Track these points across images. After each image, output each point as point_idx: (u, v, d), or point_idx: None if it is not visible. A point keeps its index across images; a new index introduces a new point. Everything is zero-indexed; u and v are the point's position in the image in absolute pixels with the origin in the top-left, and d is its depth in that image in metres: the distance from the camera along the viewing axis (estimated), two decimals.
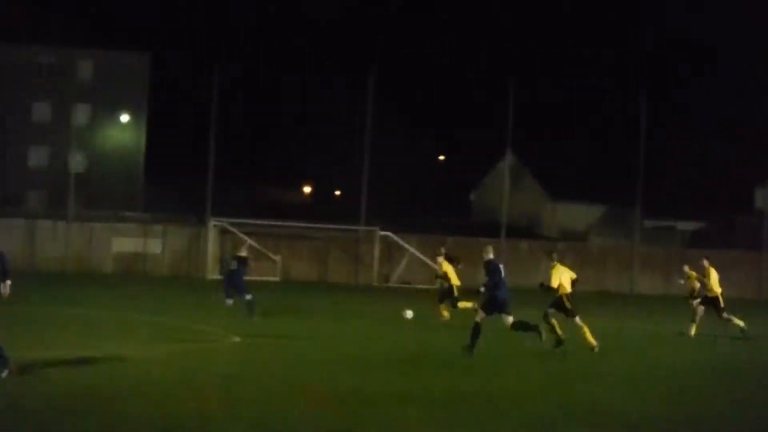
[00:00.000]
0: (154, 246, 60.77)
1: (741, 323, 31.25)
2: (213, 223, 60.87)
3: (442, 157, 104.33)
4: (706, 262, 31.73)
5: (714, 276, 31.26)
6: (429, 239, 62.31)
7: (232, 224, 60.71)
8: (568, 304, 25.06)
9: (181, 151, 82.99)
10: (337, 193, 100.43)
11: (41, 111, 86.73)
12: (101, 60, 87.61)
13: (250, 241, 59.27)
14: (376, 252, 62.20)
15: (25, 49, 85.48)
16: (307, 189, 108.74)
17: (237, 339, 25.65)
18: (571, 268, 26.16)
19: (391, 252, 62.78)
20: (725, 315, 31.17)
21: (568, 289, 25.11)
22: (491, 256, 24.85)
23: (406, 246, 62.12)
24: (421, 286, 57.99)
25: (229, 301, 32.69)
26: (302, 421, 14.98)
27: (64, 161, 79.52)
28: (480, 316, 24.12)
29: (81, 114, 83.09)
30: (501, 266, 24.54)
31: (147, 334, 26.22)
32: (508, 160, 70.60)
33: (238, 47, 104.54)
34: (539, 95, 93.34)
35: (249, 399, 16.66)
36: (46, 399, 15.65)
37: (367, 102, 64.51)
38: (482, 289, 24.47)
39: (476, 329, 23.78)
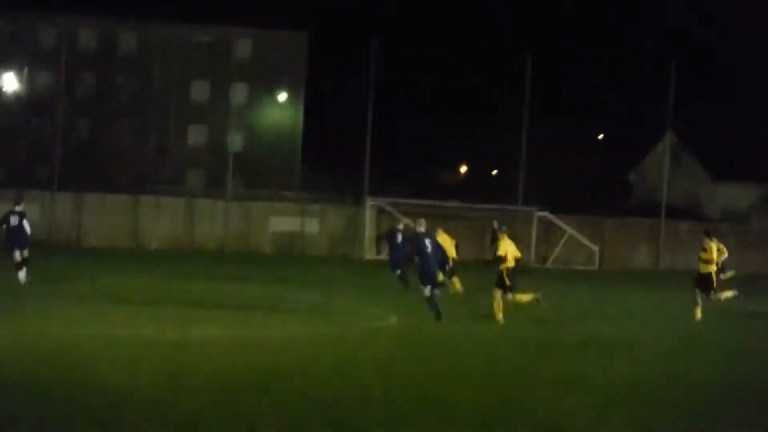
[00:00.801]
0: (312, 226, 61.10)
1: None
2: (370, 203, 60.92)
3: (600, 137, 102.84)
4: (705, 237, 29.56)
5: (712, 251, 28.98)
6: (587, 220, 61.44)
7: (389, 204, 60.67)
8: (507, 280, 25.64)
9: (338, 129, 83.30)
10: (494, 172, 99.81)
11: (200, 90, 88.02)
12: (259, 39, 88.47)
13: (406, 220, 59.23)
14: (534, 232, 61.53)
15: (184, 29, 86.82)
16: (463, 169, 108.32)
17: (395, 319, 25.51)
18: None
19: (548, 232, 62.07)
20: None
21: (511, 263, 25.68)
22: (422, 229, 25.91)
23: (565, 227, 61.35)
24: (579, 267, 57.19)
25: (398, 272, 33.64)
26: (462, 403, 14.73)
27: (223, 140, 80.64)
28: (428, 292, 25.30)
29: (239, 93, 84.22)
30: (428, 240, 25.46)
31: (307, 314, 26.25)
32: (668, 140, 69.19)
33: (395, 25, 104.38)
34: (700, 74, 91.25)
35: (409, 379, 16.51)
36: (209, 376, 15.68)
37: (525, 80, 63.84)
38: (417, 259, 25.65)
39: (433, 304, 25.19)
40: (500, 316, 25.64)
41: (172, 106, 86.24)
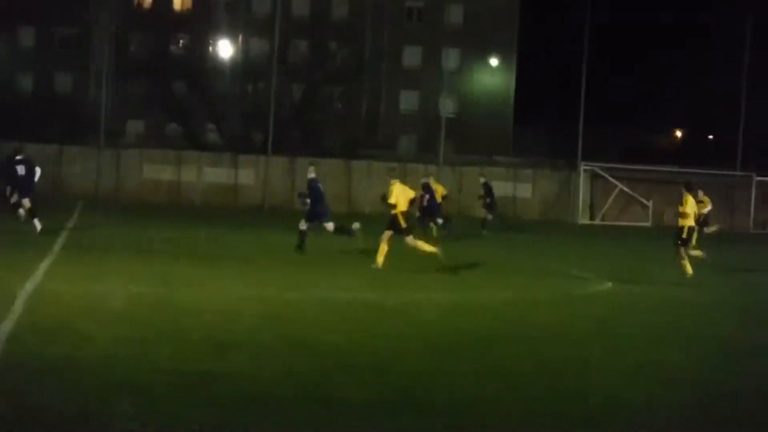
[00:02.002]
0: (524, 190, 60.58)
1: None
2: (583, 168, 60.03)
3: None
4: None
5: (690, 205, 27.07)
6: None
7: (603, 169, 59.66)
8: (402, 223, 25.47)
9: (551, 93, 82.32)
10: (711, 137, 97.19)
11: (412, 55, 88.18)
12: (471, 3, 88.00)
13: (620, 185, 58.28)
14: (753, 198, 59.62)
15: None
16: (678, 133, 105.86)
17: (609, 284, 24.98)
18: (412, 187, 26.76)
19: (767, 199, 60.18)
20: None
21: (404, 207, 25.61)
22: (312, 175, 28.86)
23: None
24: None
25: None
26: (683, 368, 14.25)
27: (434, 106, 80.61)
28: (304, 225, 28.37)
29: (451, 58, 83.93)
30: (319, 185, 28.69)
31: (523, 278, 25.93)
32: None
33: None
34: None
35: (629, 344, 16.10)
36: (426, 340, 15.50)
37: (745, 43, 61.81)
38: (305, 201, 28.76)
39: (302, 234, 28.35)
40: (380, 260, 25.36)
41: (384, 72, 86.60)
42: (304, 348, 14.29)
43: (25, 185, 30.84)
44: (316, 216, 28.71)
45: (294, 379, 12.30)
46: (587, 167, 60.13)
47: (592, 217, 60.03)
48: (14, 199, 31.06)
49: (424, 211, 37.18)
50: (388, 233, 25.60)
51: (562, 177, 60.77)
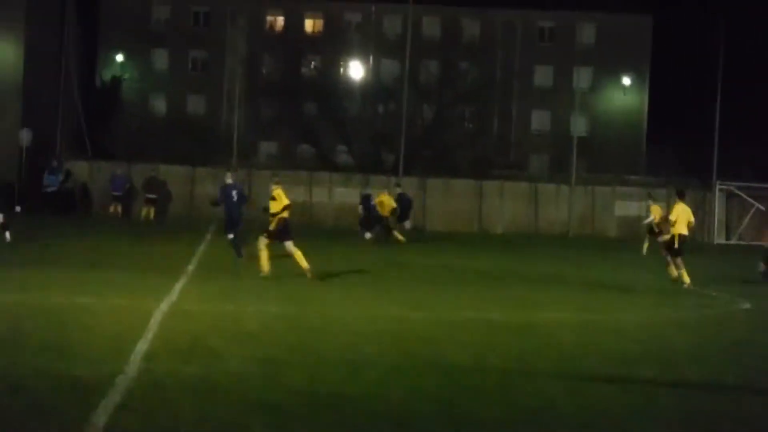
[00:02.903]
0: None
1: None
2: (719, 187, 58.99)
3: None
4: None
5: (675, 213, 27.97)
6: None
7: (740, 188, 58.56)
8: (273, 226, 25.17)
9: (683, 112, 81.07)
10: None
11: (543, 75, 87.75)
12: (603, 23, 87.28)
13: (757, 205, 57.11)
14: None
15: (526, 15, 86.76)
16: None
17: (748, 305, 24.40)
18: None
19: None
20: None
21: (285, 214, 25.29)
22: (230, 181, 29.35)
23: None
24: None
25: None
26: None
27: (566, 125, 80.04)
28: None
29: (583, 77, 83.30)
30: (234, 191, 28.87)
31: (651, 298, 25.50)
32: None
33: (740, 2, 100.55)
34: None
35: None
36: (556, 361, 15.31)
37: None
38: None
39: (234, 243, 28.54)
40: (265, 268, 25.01)
41: (515, 92, 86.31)
42: (432, 367, 14.23)
43: None
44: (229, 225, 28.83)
45: (424, 398, 12.25)
46: (723, 186, 59.06)
47: (728, 237, 58.91)
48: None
49: (360, 221, 42.74)
50: (264, 240, 25.31)
51: (696, 196, 59.75)
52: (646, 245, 41.02)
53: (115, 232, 40.56)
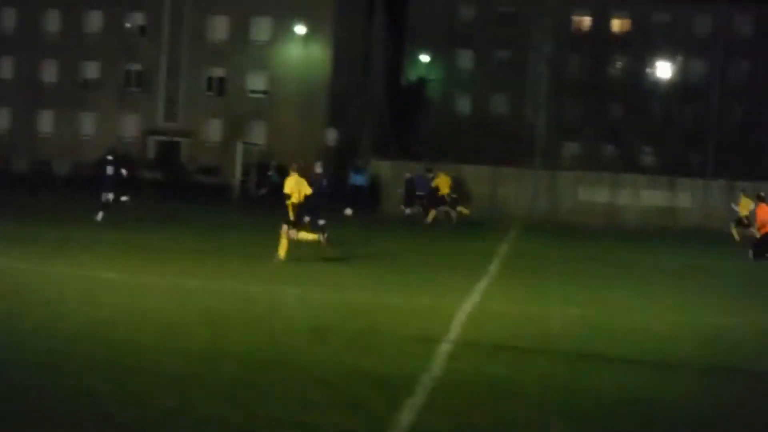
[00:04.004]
0: None
1: None
2: None
3: None
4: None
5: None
6: None
7: None
8: (292, 215, 24.86)
9: None
10: None
11: None
12: None
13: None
14: None
15: None
16: None
17: None
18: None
19: None
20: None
21: (298, 199, 24.96)
22: (318, 171, 30.73)
23: None
24: None
25: None
26: None
27: None
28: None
29: None
30: (324, 181, 30.78)
31: None
32: None
33: None
34: None
35: None
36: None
37: None
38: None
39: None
40: (282, 253, 24.69)
41: None
42: (736, 373, 13.72)
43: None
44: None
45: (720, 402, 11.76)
46: None
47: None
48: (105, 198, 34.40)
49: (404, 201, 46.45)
50: (284, 226, 24.89)
51: None
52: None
53: (416, 231, 40.94)
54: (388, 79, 75.29)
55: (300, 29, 77.62)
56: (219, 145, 78.54)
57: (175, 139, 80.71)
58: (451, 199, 46.82)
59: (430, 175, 47.96)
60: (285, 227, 24.90)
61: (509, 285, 23.02)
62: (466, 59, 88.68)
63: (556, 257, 31.62)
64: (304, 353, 13.71)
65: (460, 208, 46.61)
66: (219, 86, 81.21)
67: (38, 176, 74.11)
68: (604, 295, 22.29)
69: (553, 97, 74.46)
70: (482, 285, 22.42)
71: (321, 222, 29.61)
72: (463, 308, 18.36)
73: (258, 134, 77.42)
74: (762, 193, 32.06)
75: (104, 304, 16.94)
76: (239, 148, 58.34)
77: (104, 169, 34.74)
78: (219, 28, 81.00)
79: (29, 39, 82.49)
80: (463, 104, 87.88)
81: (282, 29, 79.23)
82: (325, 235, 26.87)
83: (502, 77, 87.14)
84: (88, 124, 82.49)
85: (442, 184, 46.28)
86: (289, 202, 24.89)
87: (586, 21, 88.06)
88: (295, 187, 25.03)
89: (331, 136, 57.99)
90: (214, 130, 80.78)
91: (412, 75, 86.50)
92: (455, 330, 15.92)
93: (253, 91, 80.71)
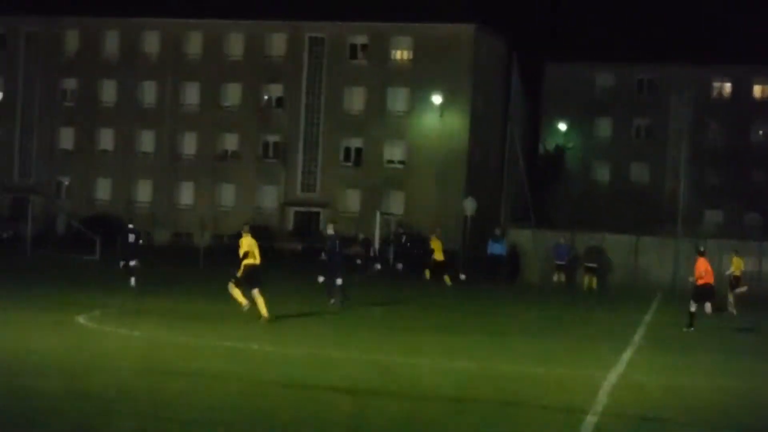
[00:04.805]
0: None
1: None
2: None
3: None
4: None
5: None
6: None
7: None
8: (240, 273, 25.18)
9: None
10: None
11: None
12: None
13: None
14: None
15: None
16: None
17: None
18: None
19: None
20: None
21: (254, 260, 25.34)
22: (331, 232, 30.62)
23: None
24: None
25: None
26: None
27: None
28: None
29: None
30: (336, 241, 30.29)
31: None
32: None
33: None
34: None
35: None
36: None
37: None
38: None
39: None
40: (264, 312, 24.92)
41: None
42: None
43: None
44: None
45: None
46: None
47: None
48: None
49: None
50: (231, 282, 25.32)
51: None
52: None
53: (558, 300, 40.43)
54: (525, 148, 75.01)
55: (437, 99, 77.87)
56: (357, 215, 78.92)
57: (313, 209, 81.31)
58: (588, 267, 46.15)
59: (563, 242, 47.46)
60: (232, 283, 25.37)
61: (655, 355, 22.48)
62: (604, 127, 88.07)
63: (701, 327, 30.81)
64: (446, 424, 13.44)
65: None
66: (356, 156, 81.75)
67: (179, 247, 75.24)
68: (752, 365, 21.59)
69: (693, 163, 73.32)
70: (627, 355, 21.91)
71: (339, 281, 30.09)
72: (608, 379, 17.91)
73: (396, 204, 77.63)
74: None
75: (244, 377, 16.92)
76: (378, 218, 58.42)
77: (126, 237, 36.05)
78: (356, 99, 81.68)
79: (170, 112, 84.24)
80: (602, 172, 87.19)
81: (419, 99, 79.57)
82: (345, 293, 29.20)
83: (641, 144, 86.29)
84: (227, 195, 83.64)
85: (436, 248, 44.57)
86: (245, 262, 25.27)
87: (727, 87, 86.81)
88: (250, 249, 25.51)
89: (469, 205, 57.70)
90: (351, 200, 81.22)
91: (550, 143, 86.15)
92: (601, 401, 15.50)
93: (390, 161, 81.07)
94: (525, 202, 61.49)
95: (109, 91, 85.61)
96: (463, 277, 46.31)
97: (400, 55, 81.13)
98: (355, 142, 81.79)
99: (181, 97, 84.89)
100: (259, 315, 24.87)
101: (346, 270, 31.43)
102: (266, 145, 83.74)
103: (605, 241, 55.03)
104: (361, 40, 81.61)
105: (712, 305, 29.11)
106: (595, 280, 52.05)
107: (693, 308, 28.61)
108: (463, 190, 74.10)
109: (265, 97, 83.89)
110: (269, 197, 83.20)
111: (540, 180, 75.00)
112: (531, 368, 19.21)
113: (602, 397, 15.90)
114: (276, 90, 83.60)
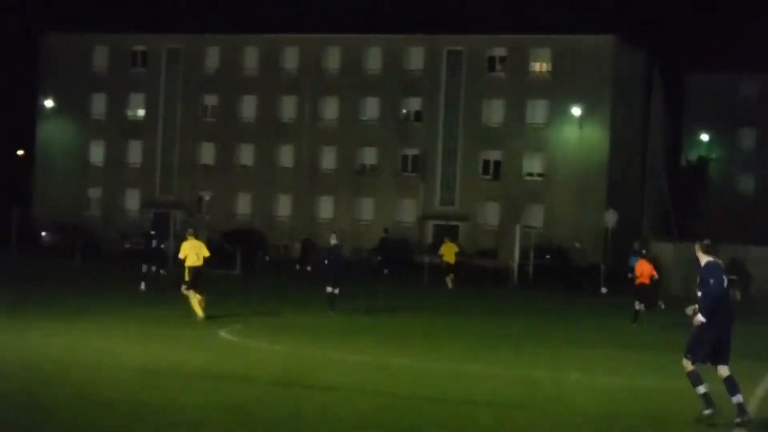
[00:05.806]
0: None
1: None
2: None
3: None
4: None
5: None
6: None
7: None
8: (187, 276, 26.95)
9: None
10: None
11: None
12: None
13: None
14: None
15: None
16: None
17: None
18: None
19: None
20: None
21: (195, 263, 27.03)
22: (334, 242, 31.71)
23: None
24: None
25: None
26: None
27: None
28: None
29: None
30: (340, 251, 31.92)
31: None
32: None
33: None
34: None
35: None
36: None
37: None
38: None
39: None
40: (199, 312, 26.73)
41: None
42: None
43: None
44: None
45: None
46: None
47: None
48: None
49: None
50: (184, 286, 27.02)
51: None
52: None
53: None
54: (667, 159, 73.92)
55: (576, 111, 77.15)
56: (497, 228, 78.56)
57: (452, 223, 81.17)
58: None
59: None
60: (184, 287, 27.04)
61: None
62: (748, 137, 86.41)
63: None
64: None
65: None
66: (495, 169, 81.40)
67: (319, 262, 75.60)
68: None
69: None
70: None
71: (335, 290, 30.64)
72: (756, 393, 17.47)
73: (536, 217, 77.07)
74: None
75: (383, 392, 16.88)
76: (518, 231, 58.06)
77: (150, 243, 36.86)
78: (494, 111, 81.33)
79: (308, 127, 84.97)
80: (746, 183, 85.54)
81: (558, 111, 78.91)
82: (335, 303, 29.88)
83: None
84: (366, 209, 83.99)
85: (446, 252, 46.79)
86: (187, 264, 27.04)
87: None
88: (191, 252, 27.25)
89: (611, 218, 57.00)
90: (491, 213, 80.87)
91: (692, 154, 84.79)
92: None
93: (530, 174, 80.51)
94: (667, 215, 60.56)
95: (248, 107, 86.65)
96: (604, 290, 46.04)
97: (539, 67, 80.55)
98: (494, 155, 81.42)
99: (320, 112, 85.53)
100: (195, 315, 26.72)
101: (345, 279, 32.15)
102: (405, 158, 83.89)
103: (750, 253, 53.87)
104: (499, 52, 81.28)
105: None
106: (738, 294, 50.95)
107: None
108: (603, 202, 73.25)
109: (404, 111, 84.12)
110: (408, 211, 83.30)
111: (682, 192, 73.76)
112: (677, 383, 18.78)
113: (752, 410, 15.54)
114: (414, 103, 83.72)
